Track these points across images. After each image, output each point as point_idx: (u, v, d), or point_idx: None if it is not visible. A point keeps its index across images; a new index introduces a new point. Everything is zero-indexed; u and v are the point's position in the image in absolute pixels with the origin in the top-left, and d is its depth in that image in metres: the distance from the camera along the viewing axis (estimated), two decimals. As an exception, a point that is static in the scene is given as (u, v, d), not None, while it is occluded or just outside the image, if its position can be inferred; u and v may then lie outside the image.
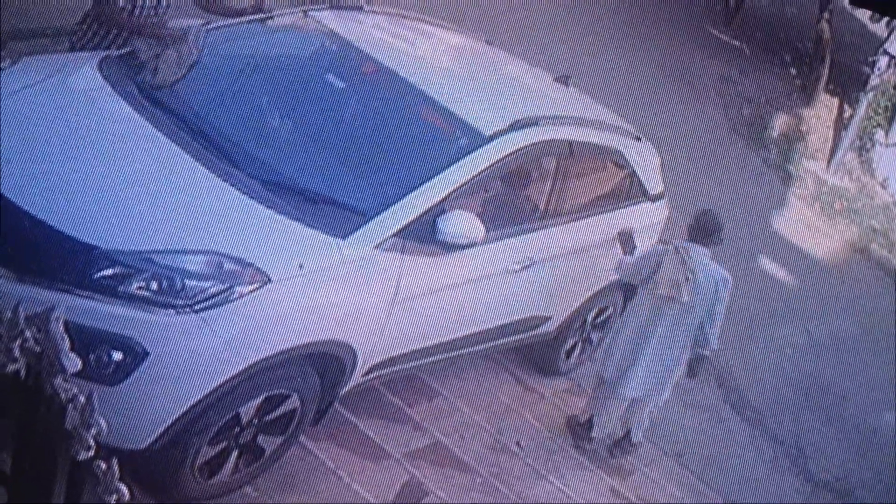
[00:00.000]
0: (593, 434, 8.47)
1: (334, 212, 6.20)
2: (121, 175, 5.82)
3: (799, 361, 11.63)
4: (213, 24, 7.44)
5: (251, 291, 5.54)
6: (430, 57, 8.16)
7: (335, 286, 6.02)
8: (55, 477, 4.06)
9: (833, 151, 16.31)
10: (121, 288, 5.30)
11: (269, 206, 5.95)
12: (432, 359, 7.20)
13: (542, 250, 7.52)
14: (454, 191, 6.57)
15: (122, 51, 7.08)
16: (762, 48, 17.78)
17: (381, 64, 7.24)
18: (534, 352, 8.71)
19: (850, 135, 16.26)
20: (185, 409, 5.47)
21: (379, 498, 6.76)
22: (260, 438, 6.09)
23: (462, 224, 6.48)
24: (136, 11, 7.45)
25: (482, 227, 6.58)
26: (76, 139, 5.98)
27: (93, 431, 3.87)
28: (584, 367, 9.23)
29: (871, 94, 16.19)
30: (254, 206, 5.91)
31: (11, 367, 4.11)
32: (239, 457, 6.05)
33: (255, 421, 5.96)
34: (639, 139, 8.80)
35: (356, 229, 6.13)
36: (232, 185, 5.94)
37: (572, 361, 9.12)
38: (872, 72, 16.11)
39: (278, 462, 6.36)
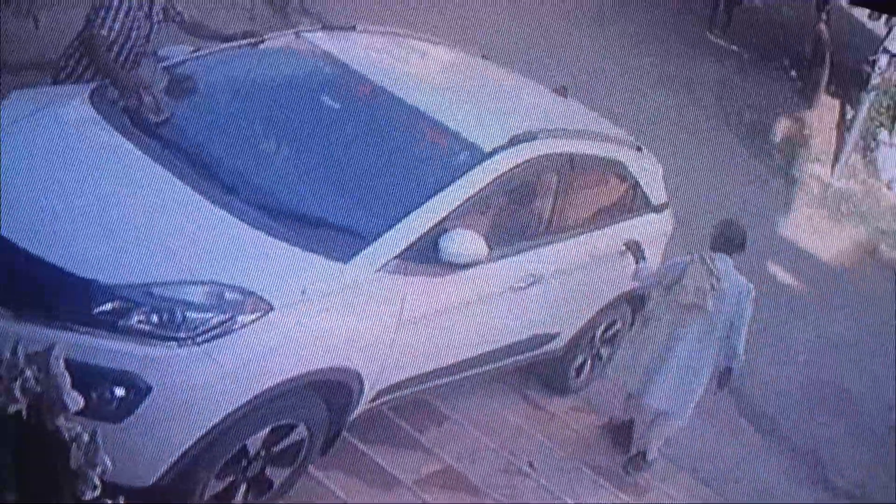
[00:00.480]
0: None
1: (335, 235, 6.19)
2: (115, 207, 5.81)
3: (813, 367, 11.60)
4: (205, 50, 7.44)
5: (254, 321, 5.52)
6: (426, 74, 8.16)
7: (339, 311, 5.99)
8: (61, 518, 4.05)
9: (837, 154, 16.29)
10: (121, 322, 5.28)
11: (268, 233, 5.93)
12: (440, 381, 7.16)
13: (547, 266, 7.50)
14: (456, 209, 6.56)
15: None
16: (761, 52, 17.77)
17: (377, 83, 7.23)
18: (543, 370, 8.67)
19: (853, 136, 16.23)
20: (191, 443, 5.45)
21: (392, 526, 6.75)
22: (268, 470, 6.06)
23: (465, 243, 6.46)
24: (126, 43, 7.47)
25: (485, 245, 6.56)
26: (69, 173, 5.97)
27: (98, 470, 3.86)
28: (594, 385, 9.19)
29: (872, 94, 16.16)
30: (253, 233, 5.90)
31: (13, 408, 4.09)
32: (247, 490, 6.02)
33: (263, 453, 5.93)
34: (640, 149, 8.78)
35: (358, 252, 6.11)
36: (230, 212, 5.93)
37: (582, 378, 9.08)
38: (873, 71, 16.08)
39: (288, 494, 6.32)
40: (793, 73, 17.62)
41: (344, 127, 7.16)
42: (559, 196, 7.66)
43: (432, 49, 8.54)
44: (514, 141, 7.02)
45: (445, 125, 7.02)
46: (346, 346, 6.09)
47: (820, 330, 12.13)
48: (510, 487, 7.59)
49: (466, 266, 6.53)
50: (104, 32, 7.40)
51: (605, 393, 9.08)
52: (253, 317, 5.52)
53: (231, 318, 5.46)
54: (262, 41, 7.64)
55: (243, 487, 5.97)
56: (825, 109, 17.16)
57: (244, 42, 7.64)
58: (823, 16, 17.32)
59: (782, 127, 16.42)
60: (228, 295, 5.52)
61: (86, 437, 3.89)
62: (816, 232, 14.61)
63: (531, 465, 7.94)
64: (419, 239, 6.35)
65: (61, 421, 4.03)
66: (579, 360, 8.89)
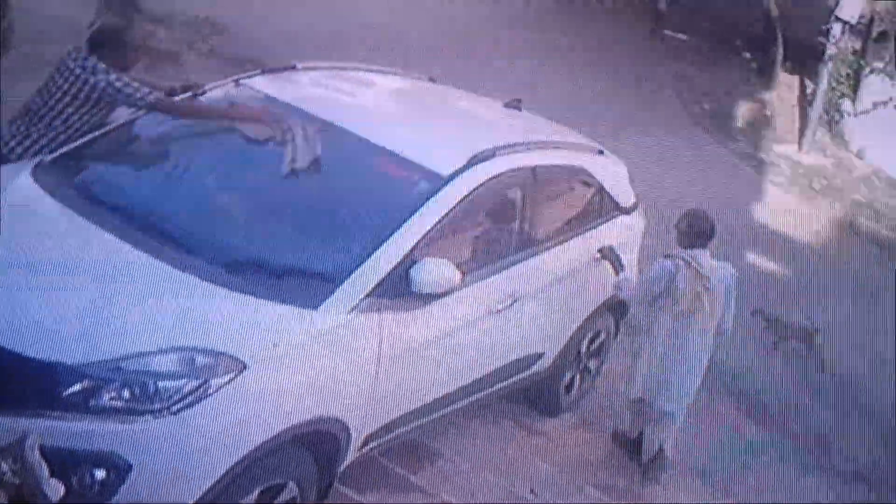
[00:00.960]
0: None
1: (301, 283, 6.17)
2: (73, 284, 5.75)
3: (808, 354, 11.62)
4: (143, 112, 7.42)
5: (228, 382, 5.50)
6: (374, 105, 8.18)
7: (315, 360, 5.98)
8: None
9: (802, 130, 16.41)
10: (92, 402, 5.26)
11: (232, 289, 5.92)
12: (429, 418, 7.14)
13: (523, 284, 7.49)
14: (422, 239, 6.55)
15: (55, 154, 7.04)
16: (711, 38, 17.90)
17: (324, 121, 7.21)
18: (532, 392, 8.64)
19: (817, 110, 16.36)
20: (179, 516, 5.41)
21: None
22: (263, 534, 6.03)
23: (435, 271, 6.45)
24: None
25: (457, 272, 6.54)
26: (21, 255, 5.91)
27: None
28: (586, 399, 9.18)
29: (830, 65, 16.30)
30: (217, 290, 5.88)
31: (-7, 504, 4.07)
32: (244, 556, 5.98)
33: (255, 517, 5.90)
34: (601, 153, 8.79)
35: (327, 297, 6.09)
36: (190, 273, 5.91)
37: (573, 395, 9.07)
38: (828, 41, 16.22)
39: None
40: (746, 54, 17.73)
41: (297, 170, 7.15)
42: (527, 211, 7.66)
43: (378, 78, 8.56)
44: (472, 162, 7.02)
45: (400, 155, 7.01)
46: (327, 394, 6.07)
47: (809, 313, 12.16)
48: (513, 518, 7.59)
49: (441, 295, 6.51)
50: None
51: (600, 407, 9.05)
52: (227, 378, 5.50)
53: (205, 383, 5.44)
54: (203, 92, 7.63)
55: (239, 554, 5.94)
56: (784, 87, 17.30)
57: (184, 96, 7.62)
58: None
59: (743, 111, 16.55)
60: (199, 359, 5.50)
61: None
62: (791, 213, 14.68)
63: (533, 491, 7.92)
64: (389, 274, 6.33)
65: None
66: (568, 376, 8.86)
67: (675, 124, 15.48)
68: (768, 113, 16.61)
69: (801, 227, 14.31)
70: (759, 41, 17.64)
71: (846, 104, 16.64)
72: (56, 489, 4.28)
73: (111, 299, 5.70)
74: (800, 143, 16.22)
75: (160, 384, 5.35)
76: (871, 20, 16.55)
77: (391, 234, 6.47)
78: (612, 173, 8.82)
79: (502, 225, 7.70)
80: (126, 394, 5.30)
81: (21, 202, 6.47)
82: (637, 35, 17.70)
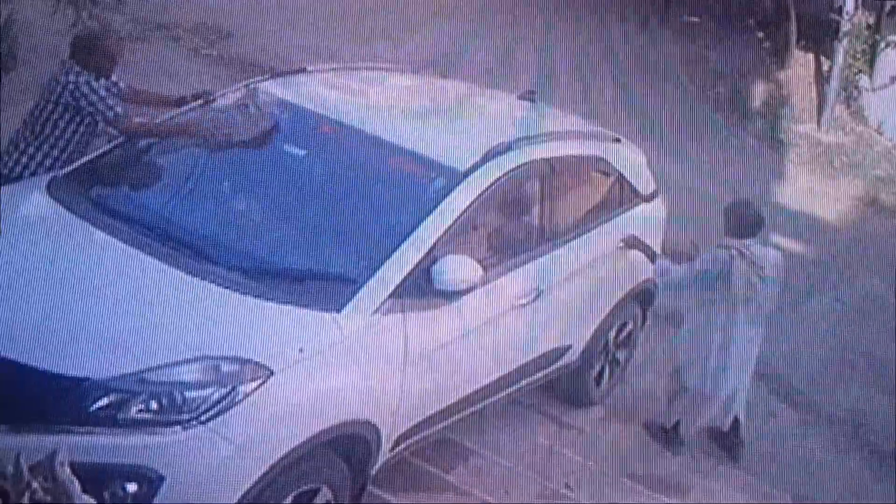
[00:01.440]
0: (682, 435, 8.80)
1: (324, 286, 6.20)
2: (95, 298, 5.80)
3: (835, 333, 11.58)
4: (156, 120, 7.46)
5: (255, 388, 5.52)
6: (387, 103, 8.16)
7: (341, 363, 6.01)
8: None
9: (820, 109, 16.35)
10: (120, 415, 5.29)
11: (255, 296, 5.95)
12: (458, 416, 7.14)
13: (547, 277, 7.48)
14: (442, 236, 6.56)
15: (69, 168, 7.08)
16: (723, 18, 17.84)
17: (338, 122, 7.25)
18: (562, 385, 8.64)
19: (833, 88, 16.30)
20: (213, 526, 5.44)
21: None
22: (299, 540, 6.05)
23: (457, 268, 6.47)
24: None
25: (479, 267, 6.56)
26: (39, 272, 5.96)
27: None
28: (617, 390, 9.18)
29: (845, 41, 16.23)
30: (239, 298, 5.91)
31: (25, 522, 4.09)
32: (280, 563, 5.99)
33: (290, 523, 5.92)
34: (618, 141, 8.78)
35: (350, 299, 6.11)
36: (212, 282, 5.94)
37: (603, 386, 9.06)
38: (841, 17, 16.15)
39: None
40: (760, 34, 17.66)
41: (313, 172, 7.19)
42: (546, 203, 7.66)
43: (389, 77, 8.59)
44: (488, 156, 7.03)
45: (416, 152, 7.04)
46: (355, 397, 6.09)
47: (836, 294, 12.13)
48: (550, 513, 7.59)
49: (464, 292, 6.52)
50: (114, 113, 7.46)
51: (631, 398, 9.04)
52: (254, 385, 5.52)
53: (232, 391, 5.46)
54: (214, 99, 7.65)
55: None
56: (799, 65, 17.22)
57: (195, 104, 7.65)
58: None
59: (759, 91, 16.48)
60: (225, 367, 5.53)
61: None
62: (812, 192, 14.63)
63: (568, 485, 7.91)
64: (410, 273, 6.35)
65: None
66: (597, 368, 8.85)
67: (690, 108, 15.44)
68: (785, 92, 16.54)
69: (823, 205, 14.27)
70: (772, 20, 17.57)
71: (863, 80, 16.56)
72: (89, 504, 4.30)
73: (134, 311, 5.74)
74: (818, 122, 16.17)
75: (187, 394, 5.37)
76: (885, -6, 16.51)
77: (411, 233, 6.48)
78: (631, 161, 8.80)
79: (522, 218, 7.71)
80: (154, 405, 5.33)
81: (38, 218, 6.53)
82: (648, 19, 17.65)
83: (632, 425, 9.03)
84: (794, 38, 17.10)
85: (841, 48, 16.22)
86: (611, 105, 12.44)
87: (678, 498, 8.34)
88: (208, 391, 5.41)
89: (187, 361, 5.49)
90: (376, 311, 6.16)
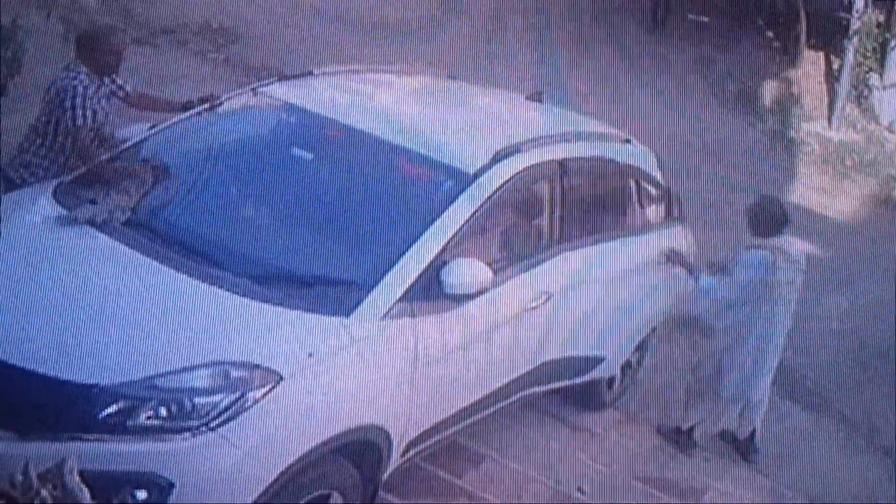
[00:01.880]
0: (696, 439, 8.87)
1: (332, 291, 6.19)
2: (101, 303, 5.80)
3: (848, 333, 11.58)
4: (164, 124, 7.45)
5: (265, 394, 5.51)
6: (395, 106, 8.16)
7: (351, 368, 6.00)
8: None
9: (831, 107, 16.35)
10: (129, 422, 5.28)
11: (263, 301, 5.94)
12: (469, 420, 7.13)
13: (556, 281, 7.45)
14: (451, 239, 6.54)
15: (75, 174, 7.08)
16: (732, 19, 17.83)
17: (345, 125, 7.24)
18: (574, 389, 8.63)
19: (844, 86, 16.31)
20: (223, 533, 5.43)
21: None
22: (310, 547, 6.04)
23: (466, 272, 6.45)
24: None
25: (488, 271, 6.54)
26: (46, 278, 5.96)
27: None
28: (628, 393, 9.17)
29: (855, 39, 16.23)
30: (247, 303, 5.90)
31: (34, 530, 4.09)
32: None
33: (301, 530, 5.90)
34: (628, 141, 8.75)
35: (359, 303, 6.10)
36: (221, 287, 5.94)
37: (616, 389, 9.06)
38: (851, 15, 16.15)
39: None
40: (769, 33, 17.65)
41: (321, 176, 7.18)
42: (557, 205, 7.62)
43: (396, 79, 8.57)
44: (497, 158, 7.01)
45: (424, 155, 7.02)
46: (365, 402, 6.07)
47: (847, 293, 12.11)
48: (563, 518, 7.58)
49: (474, 295, 6.50)
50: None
51: (643, 401, 9.03)
52: (263, 391, 5.51)
53: (242, 397, 5.45)
54: (220, 103, 7.66)
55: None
56: (809, 64, 17.22)
57: (201, 108, 7.65)
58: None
59: (770, 90, 16.49)
60: (234, 373, 5.52)
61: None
62: (825, 191, 14.63)
63: (580, 489, 7.90)
64: (419, 277, 6.33)
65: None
66: (610, 372, 8.86)
67: (702, 108, 15.44)
68: (795, 91, 16.55)
69: (835, 204, 14.26)
70: (782, 19, 17.56)
71: (874, 78, 16.55)
72: (98, 512, 4.30)
73: (141, 317, 5.73)
74: (829, 120, 16.17)
75: (196, 400, 5.37)
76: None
77: (419, 237, 6.47)
78: (641, 161, 8.79)
79: (532, 220, 7.67)
80: (163, 412, 5.33)
81: (45, 224, 6.52)
82: (657, 19, 17.67)
83: (644, 428, 9.04)
84: (804, 36, 17.09)
85: (851, 46, 16.23)
86: (620, 105, 12.40)
87: (693, 500, 8.34)
88: (218, 397, 5.40)
89: (196, 367, 5.48)
90: (385, 315, 6.14)
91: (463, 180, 6.83)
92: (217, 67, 12.97)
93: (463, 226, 6.64)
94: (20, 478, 4.30)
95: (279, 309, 5.91)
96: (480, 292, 6.53)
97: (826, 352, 11.12)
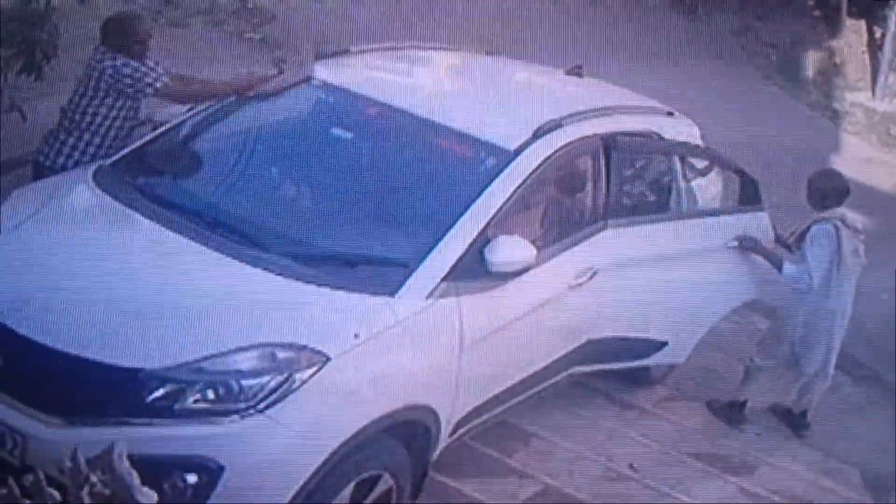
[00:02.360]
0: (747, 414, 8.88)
1: (376, 270, 6.19)
2: (146, 287, 5.82)
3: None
4: (202, 107, 7.45)
5: (312, 375, 5.53)
6: (433, 84, 8.15)
7: (397, 348, 6.01)
8: None
9: (875, 77, 16.23)
10: (177, 406, 5.31)
11: (307, 281, 5.95)
12: (518, 399, 7.11)
13: (601, 258, 7.39)
14: (493, 217, 6.53)
15: (114, 157, 7.10)
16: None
17: (384, 104, 7.23)
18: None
19: (887, 55, 16.20)
20: (276, 514, 5.44)
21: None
22: (363, 527, 6.04)
23: (510, 250, 6.43)
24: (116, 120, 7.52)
25: (532, 248, 6.52)
26: (89, 262, 5.97)
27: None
28: (678, 368, 9.12)
29: (897, 7, 16.13)
30: (292, 284, 5.92)
31: (85, 516, 4.11)
32: (344, 552, 5.99)
33: (353, 510, 5.91)
34: (671, 114, 8.69)
35: (403, 283, 6.11)
36: (264, 268, 5.95)
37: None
38: (893, -17, 16.06)
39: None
40: (810, 2, 17.53)
41: (361, 156, 7.18)
42: (599, 180, 7.58)
43: (434, 56, 8.54)
44: (538, 134, 6.97)
45: (464, 132, 7.00)
46: (412, 382, 6.08)
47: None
48: (615, 495, 7.53)
49: (518, 273, 6.48)
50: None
51: (691, 377, 8.99)
52: (310, 372, 5.52)
53: (289, 378, 5.46)
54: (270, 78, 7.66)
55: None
56: (851, 34, 17.08)
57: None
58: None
59: (812, 61, 16.38)
60: (281, 354, 5.53)
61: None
62: (870, 161, 14.52)
63: (632, 466, 7.88)
64: (463, 256, 6.32)
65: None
66: (659, 346, 8.81)
67: (744, 79, 15.36)
68: (838, 61, 16.44)
69: (881, 175, 14.15)
70: (822, -13, 17.49)
71: (917, 47, 16.45)
72: (149, 496, 4.30)
73: (187, 301, 5.75)
74: (873, 90, 16.05)
75: (244, 382, 5.38)
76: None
77: (462, 215, 6.46)
78: (684, 135, 8.71)
79: (576, 196, 7.62)
80: (210, 395, 5.34)
81: (85, 209, 6.56)
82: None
83: (694, 404, 9.00)
84: (845, 6, 16.96)
85: (893, 15, 16.09)
86: (661, 78, 12.32)
87: (744, 477, 8.30)
88: (265, 379, 5.41)
89: (243, 349, 5.49)
90: (430, 294, 6.14)
91: (504, 157, 6.81)
92: (253, 48, 12.95)
93: (505, 203, 6.62)
94: (69, 464, 4.32)
95: (324, 290, 5.92)
96: (524, 270, 6.50)
97: (876, 324, 11.03)
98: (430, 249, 6.28)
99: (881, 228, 12.39)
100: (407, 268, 6.17)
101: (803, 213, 8.56)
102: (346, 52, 8.05)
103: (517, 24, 13.83)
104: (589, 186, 7.58)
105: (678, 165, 8.38)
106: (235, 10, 13.75)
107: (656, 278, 7.75)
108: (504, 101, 7.88)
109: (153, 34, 7.83)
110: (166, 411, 5.30)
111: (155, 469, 4.96)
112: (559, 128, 7.12)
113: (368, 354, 5.80)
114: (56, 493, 4.32)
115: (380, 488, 5.99)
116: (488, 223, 6.48)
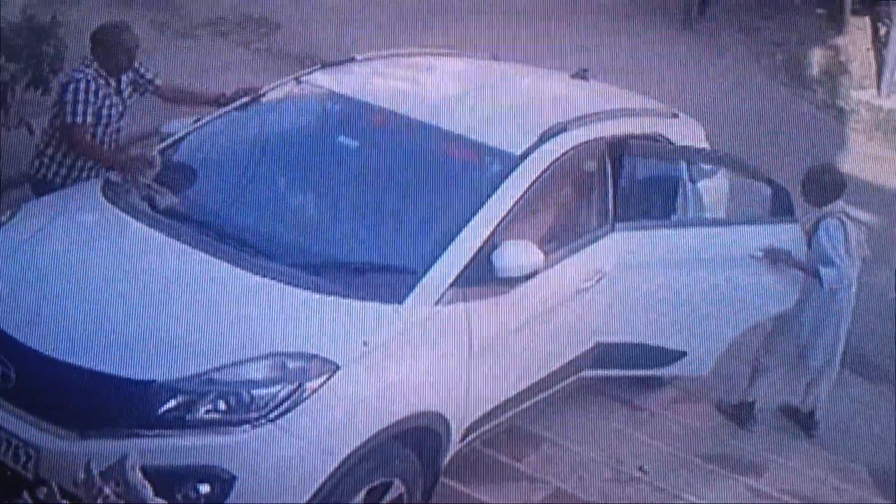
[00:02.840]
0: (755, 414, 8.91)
1: (384, 278, 6.22)
2: (156, 299, 5.85)
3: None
4: (207, 117, 7.48)
5: (322, 384, 5.55)
6: (438, 89, 8.13)
7: (406, 355, 6.03)
8: None
9: (880, 74, 16.20)
10: (189, 416, 5.34)
11: (315, 290, 5.97)
12: (528, 403, 7.13)
13: (608, 261, 7.39)
14: (500, 222, 6.53)
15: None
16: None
17: (390, 111, 7.24)
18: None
19: (892, 52, 16.14)
20: (286, 524, 5.46)
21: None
22: (375, 534, 6.07)
23: (518, 254, 6.43)
24: (99, 125, 7.51)
25: (540, 253, 6.53)
26: (100, 275, 6.01)
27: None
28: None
29: (901, 4, 16.12)
30: (300, 293, 5.94)
31: (99, 528, 4.13)
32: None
33: (365, 517, 5.93)
34: (676, 116, 8.69)
35: (411, 290, 6.13)
36: (272, 278, 5.97)
37: (673, 367, 9.02)
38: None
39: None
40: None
41: (367, 163, 7.17)
42: (605, 183, 7.58)
43: (439, 62, 8.55)
44: (544, 138, 6.98)
45: (469, 137, 7.01)
46: (422, 389, 6.10)
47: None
48: (626, 497, 7.55)
49: (526, 277, 6.49)
50: (79, 120, 7.46)
51: (700, 377, 8.98)
52: (321, 380, 5.55)
53: (299, 387, 5.49)
54: (263, 94, 7.68)
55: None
56: (856, 31, 17.06)
57: (244, 100, 7.66)
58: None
59: (817, 59, 16.36)
60: (291, 363, 5.56)
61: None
62: (876, 159, 14.48)
63: (642, 469, 7.88)
64: (471, 261, 6.34)
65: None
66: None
67: (749, 78, 15.34)
68: (842, 59, 16.42)
69: (887, 172, 14.12)
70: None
71: (922, 44, 16.42)
72: (161, 507, 4.33)
73: (195, 312, 5.77)
74: (878, 88, 16.02)
75: (254, 392, 5.42)
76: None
77: (469, 221, 6.47)
78: (690, 136, 8.71)
79: (582, 200, 7.62)
80: (222, 405, 5.38)
81: (94, 222, 6.59)
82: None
83: (703, 405, 9.01)
84: (849, 4, 16.95)
85: (897, 12, 16.10)
86: (666, 78, 12.34)
87: (753, 477, 8.31)
88: (275, 388, 5.45)
89: (253, 359, 5.52)
90: (438, 300, 6.16)
91: (510, 162, 6.82)
92: (259, 57, 13.00)
93: (512, 208, 6.62)
94: (82, 476, 4.34)
95: (332, 298, 5.94)
96: (532, 274, 6.51)
97: (884, 322, 11.03)
98: (438, 256, 6.30)
99: (886, 225, 12.41)
100: (415, 275, 6.19)
101: (806, 210, 8.55)
102: (352, 59, 8.07)
103: (522, 28, 13.84)
104: (595, 189, 7.57)
105: (685, 168, 8.39)
106: (241, 20, 13.79)
107: (667, 284, 7.74)
108: (509, 106, 7.87)
109: (135, 45, 7.77)
110: (178, 422, 5.34)
111: (168, 480, 5.03)
112: (565, 131, 7.12)
113: (378, 362, 5.82)
114: (70, 505, 4.36)
115: (391, 495, 6.02)
116: (495, 228, 6.49)
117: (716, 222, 8.41)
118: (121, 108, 7.77)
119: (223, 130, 7.43)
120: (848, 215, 8.38)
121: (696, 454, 8.32)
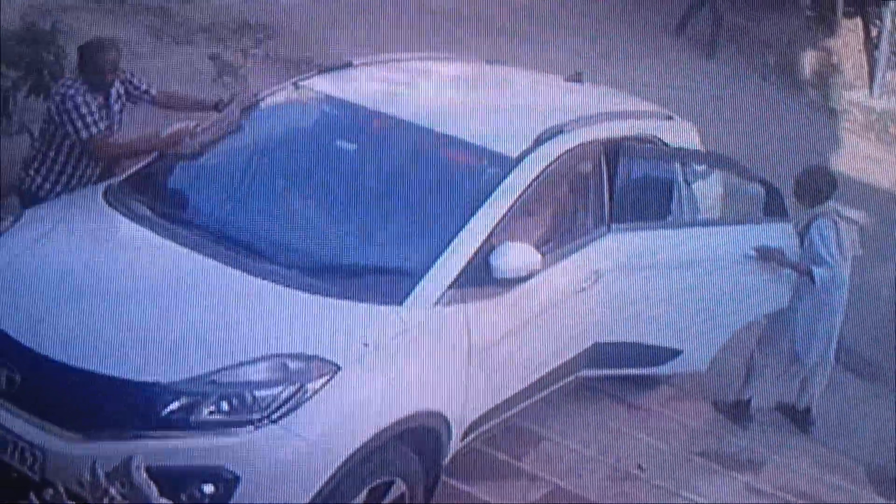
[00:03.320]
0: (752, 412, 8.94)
1: (383, 279, 6.25)
2: (158, 302, 5.86)
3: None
4: (205, 124, 7.50)
5: (324, 384, 5.57)
6: (435, 94, 8.16)
7: (406, 356, 6.05)
8: None
9: (871, 75, 16.25)
10: (192, 418, 5.36)
11: (315, 292, 6.00)
12: (527, 402, 7.16)
13: (604, 262, 7.43)
14: (498, 224, 6.55)
15: (124, 175, 7.15)
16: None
17: (387, 115, 7.26)
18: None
19: (883, 53, 16.22)
20: (290, 523, 5.48)
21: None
22: (377, 533, 6.09)
23: (515, 255, 6.45)
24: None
25: (537, 254, 6.55)
26: (103, 279, 6.04)
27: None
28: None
29: (892, 5, 16.12)
30: (300, 296, 5.96)
31: (105, 528, 4.15)
32: (359, 559, 6.04)
33: (366, 517, 5.95)
34: (670, 118, 8.73)
35: (410, 291, 6.15)
36: (273, 280, 6.00)
37: (670, 365, 9.04)
38: (887, -18, 16.09)
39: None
40: (805, 1, 17.55)
41: (365, 167, 7.19)
42: (601, 185, 7.61)
43: (435, 66, 8.57)
44: (540, 141, 7.00)
45: (466, 140, 7.03)
46: (422, 389, 6.11)
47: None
48: (623, 495, 7.57)
49: (524, 278, 6.52)
50: (94, 131, 7.47)
51: (697, 375, 9.01)
52: (322, 381, 5.57)
53: (301, 388, 5.51)
54: (260, 100, 7.70)
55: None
56: (847, 33, 17.10)
57: (241, 106, 7.68)
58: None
59: (809, 60, 16.40)
60: (292, 364, 5.58)
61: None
62: (869, 159, 14.54)
63: (640, 466, 7.91)
64: (469, 263, 6.35)
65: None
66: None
67: (741, 80, 15.37)
68: (835, 60, 16.46)
69: (881, 172, 14.17)
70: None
71: (913, 45, 16.48)
72: (166, 508, 4.35)
73: (198, 314, 5.80)
74: (870, 88, 16.07)
75: (257, 393, 5.44)
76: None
77: (466, 223, 6.49)
78: (684, 138, 8.75)
79: (578, 201, 7.65)
80: (225, 406, 5.40)
81: (96, 226, 6.61)
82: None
83: (700, 403, 9.03)
84: (840, 5, 16.97)
85: (888, 13, 16.10)
86: (658, 80, 12.38)
87: (751, 475, 8.33)
88: (278, 389, 5.47)
89: (255, 361, 5.54)
90: (437, 302, 6.18)
91: (507, 165, 6.83)
92: (256, 63, 13.00)
93: (509, 210, 6.64)
94: (88, 478, 4.36)
95: (332, 300, 5.96)
96: (530, 275, 6.53)
97: (877, 320, 11.05)
98: (437, 257, 6.31)
99: (879, 225, 12.45)
100: (414, 276, 6.21)
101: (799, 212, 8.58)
102: (349, 65, 8.10)
103: (518, 32, 13.88)
104: (592, 191, 7.60)
105: (680, 170, 8.41)
106: (237, 27, 13.80)
107: (663, 284, 7.78)
108: (505, 109, 7.89)
109: (116, 63, 7.76)
110: (182, 423, 5.35)
111: (172, 480, 5.03)
112: (560, 134, 7.16)
113: (378, 362, 5.85)
114: (76, 507, 4.38)
115: (393, 494, 6.03)
116: (493, 230, 6.51)
117: (710, 223, 8.42)
118: (118, 118, 7.79)
119: (223, 135, 7.42)
120: (840, 215, 8.41)
121: (694, 452, 8.35)
